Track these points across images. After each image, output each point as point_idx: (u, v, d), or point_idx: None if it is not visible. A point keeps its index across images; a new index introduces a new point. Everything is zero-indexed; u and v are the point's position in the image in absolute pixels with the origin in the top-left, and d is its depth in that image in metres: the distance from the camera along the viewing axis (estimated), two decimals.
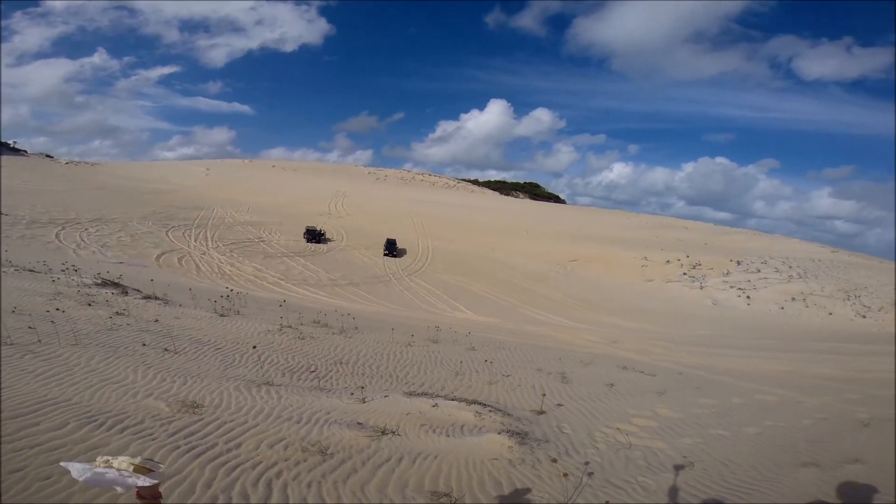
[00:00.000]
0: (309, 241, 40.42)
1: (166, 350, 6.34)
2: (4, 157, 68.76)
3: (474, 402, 6.01)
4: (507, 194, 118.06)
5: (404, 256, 42.10)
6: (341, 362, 7.55)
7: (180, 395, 4.77)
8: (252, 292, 18.71)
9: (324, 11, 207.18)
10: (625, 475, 4.51)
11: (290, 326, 9.39)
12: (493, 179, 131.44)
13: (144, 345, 6.37)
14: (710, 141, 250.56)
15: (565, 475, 4.20)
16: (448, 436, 4.86)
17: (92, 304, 8.53)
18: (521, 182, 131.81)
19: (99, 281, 11.19)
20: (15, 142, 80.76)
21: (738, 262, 50.17)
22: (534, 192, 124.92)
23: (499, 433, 4.94)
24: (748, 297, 42.69)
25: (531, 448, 4.76)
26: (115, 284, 11.11)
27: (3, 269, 11.22)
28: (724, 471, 4.80)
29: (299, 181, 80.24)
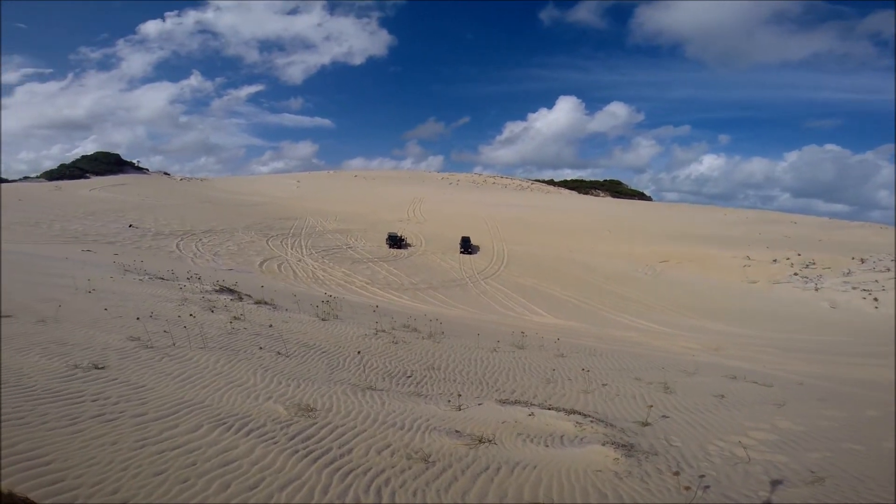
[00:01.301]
0: (391, 246, 42.09)
1: (279, 353, 6.89)
2: (131, 176, 79.73)
3: (573, 411, 5.82)
4: (586, 193, 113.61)
5: (480, 259, 42.25)
6: (433, 367, 7.71)
7: (295, 398, 5.14)
8: (343, 296, 19.82)
9: (384, 23, 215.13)
10: (744, 490, 4.17)
11: (383, 331, 9.79)
12: (569, 179, 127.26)
13: (261, 348, 6.98)
14: (813, 128, 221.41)
15: (686, 488, 3.91)
16: (546, 446, 4.76)
17: (214, 309, 9.54)
18: (601, 180, 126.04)
19: (217, 288, 12.52)
20: (139, 161, 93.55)
21: (863, 260, 43.64)
22: (615, 189, 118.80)
23: (603, 445, 4.74)
24: (875, 300, 37.01)
25: (639, 461, 4.52)
26: (231, 291, 12.36)
27: (140, 278, 12.96)
28: (859, 487, 4.33)
29: (379, 189, 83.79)
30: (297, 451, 3.90)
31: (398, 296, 29.66)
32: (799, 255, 45.79)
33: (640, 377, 8.83)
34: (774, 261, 45.16)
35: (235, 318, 8.95)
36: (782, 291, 40.15)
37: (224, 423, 4.23)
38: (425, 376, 7.13)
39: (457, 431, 4.83)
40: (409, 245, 44.14)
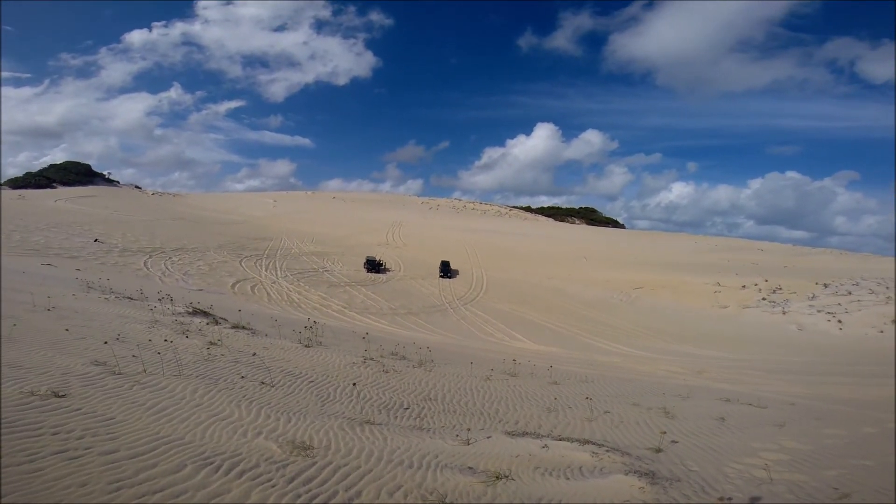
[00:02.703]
0: (369, 270, 41.36)
1: (263, 383, 6.31)
2: (101, 188, 76.77)
3: (587, 441, 5.48)
4: (563, 220, 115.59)
5: (459, 285, 41.98)
6: (430, 398, 7.23)
7: (288, 434, 4.61)
8: (320, 320, 19.05)
9: (370, 44, 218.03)
10: None
11: (372, 359, 9.26)
12: (546, 206, 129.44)
13: (243, 377, 6.38)
14: (775, 154, 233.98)
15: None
16: (567, 478, 4.43)
17: (188, 333, 8.82)
18: (577, 207, 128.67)
19: (191, 310, 11.72)
20: (109, 173, 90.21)
21: (826, 285, 45.51)
22: (590, 217, 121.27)
23: (625, 474, 4.50)
24: (840, 322, 38.45)
25: (664, 488, 4.31)
26: (205, 313, 11.59)
27: (105, 297, 12.05)
28: (886, 500, 4.39)
29: (357, 212, 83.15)
30: (299, 496, 3.41)
31: (376, 320, 28.91)
32: (766, 280, 47.40)
33: (637, 402, 8.63)
34: (743, 287, 46.52)
35: (212, 343, 8.28)
36: (752, 316, 41.22)
37: (211, 463, 3.69)
38: (424, 408, 6.65)
39: (470, 468, 4.41)
40: (388, 270, 43.51)
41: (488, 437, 5.39)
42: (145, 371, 5.86)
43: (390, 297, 35.31)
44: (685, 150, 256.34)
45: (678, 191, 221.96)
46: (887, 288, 43.65)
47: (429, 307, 34.70)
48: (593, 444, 5.38)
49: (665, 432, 6.04)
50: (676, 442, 6.06)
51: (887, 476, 5.04)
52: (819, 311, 40.50)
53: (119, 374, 5.58)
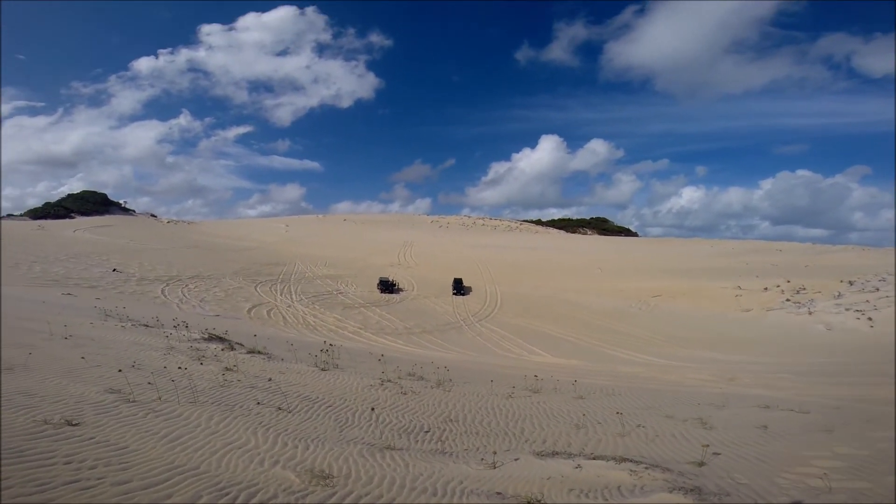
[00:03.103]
0: (383, 291, 41.27)
1: (279, 409, 6.11)
2: (117, 217, 78.42)
3: (623, 459, 5.15)
4: (574, 232, 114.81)
5: (473, 302, 41.64)
6: (451, 419, 6.95)
7: (306, 462, 4.38)
8: (337, 342, 18.89)
9: (371, 66, 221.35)
10: None
11: (389, 381, 9.01)
12: (556, 218, 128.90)
13: (259, 403, 6.19)
14: (783, 154, 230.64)
15: None
16: (606, 499, 4.14)
17: (203, 359, 8.70)
18: (588, 218, 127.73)
19: (206, 336, 11.64)
20: (126, 202, 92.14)
21: (851, 283, 44.18)
22: (602, 227, 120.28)
23: (670, 491, 4.19)
24: (870, 319, 37.15)
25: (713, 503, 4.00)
26: (221, 339, 11.48)
27: (122, 325, 12.04)
28: None
29: (368, 233, 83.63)
30: None
31: (392, 340, 28.65)
32: (788, 281, 46.20)
33: (670, 414, 8.23)
34: (765, 289, 45.39)
35: (228, 368, 8.13)
36: (777, 318, 40.06)
37: (227, 494, 3.49)
38: (445, 430, 6.37)
39: (498, 493, 4.12)
40: (401, 290, 43.40)
41: (516, 459, 5.09)
42: (160, 398, 5.72)
43: (405, 316, 35.09)
44: (692, 155, 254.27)
45: (689, 195, 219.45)
46: None
47: (443, 325, 34.37)
48: (630, 461, 5.06)
49: (708, 445, 5.68)
50: (719, 454, 5.72)
51: None
52: (847, 310, 39.21)
53: (133, 401, 5.44)
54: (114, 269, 35.88)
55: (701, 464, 5.25)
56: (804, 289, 44.12)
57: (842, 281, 44.40)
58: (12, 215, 76.40)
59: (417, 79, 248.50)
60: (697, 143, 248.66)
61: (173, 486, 3.52)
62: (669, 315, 40.98)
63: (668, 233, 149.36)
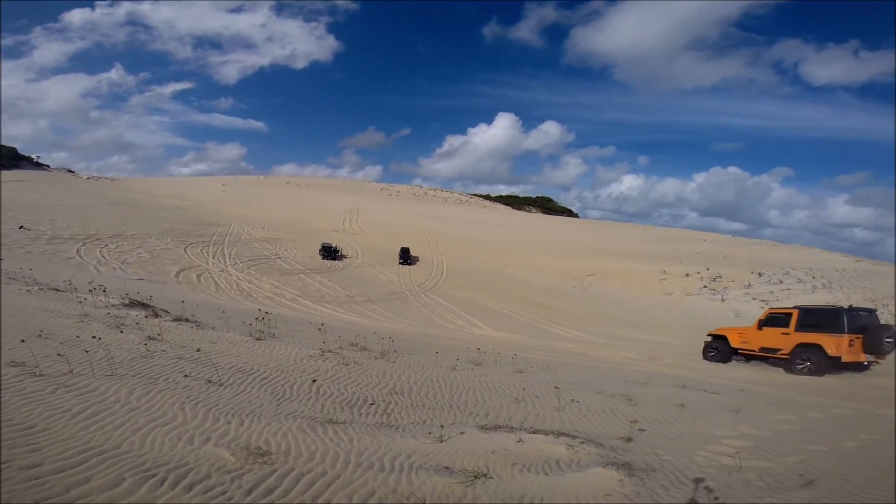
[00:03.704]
0: (325, 257, 40.14)
1: (210, 382, 5.72)
2: (28, 172, 69.95)
3: (561, 433, 5.37)
4: (520, 209, 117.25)
5: (419, 272, 41.67)
6: (396, 392, 6.89)
7: (241, 438, 4.13)
8: (274, 310, 18.17)
9: (332, 28, 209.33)
10: (750, 499, 4.17)
11: (330, 351, 8.77)
12: (504, 194, 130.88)
13: (186, 375, 5.76)
14: (719, 150, 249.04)
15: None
16: (546, 474, 4.29)
17: (123, 327, 7.97)
18: (534, 196, 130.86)
19: (127, 301, 10.68)
20: (38, 156, 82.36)
21: (760, 274, 48.91)
22: (546, 206, 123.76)
23: (604, 466, 4.44)
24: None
25: (642, 479, 4.28)
26: (144, 305, 10.59)
27: (28, 289, 10.77)
28: (847, 485, 4.56)
29: (313, 197, 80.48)
30: None
31: (333, 309, 28.09)
32: (707, 269, 50.26)
33: (600, 390, 8.72)
34: (687, 275, 49.12)
35: (151, 338, 7.51)
36: (694, 302, 43.66)
37: (154, 476, 3.20)
38: (390, 402, 6.29)
39: (446, 468, 4.15)
40: (345, 256, 42.45)
41: (462, 433, 5.15)
42: (72, 371, 5.16)
43: (347, 284, 34.44)
44: (638, 145, 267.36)
45: (629, 183, 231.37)
46: (813, 277, 47.46)
47: (388, 294, 34.17)
48: (567, 435, 5.28)
49: (636, 421, 6.05)
50: (644, 430, 6.12)
51: (846, 461, 5.27)
52: (754, 299, 43.44)
53: (40, 375, 4.86)
54: (20, 227, 31.96)
55: (629, 439, 5.58)
56: (720, 277, 48.21)
57: (752, 272, 48.98)
58: None
59: (380, 46, 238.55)
60: (644, 133, 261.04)
61: (91, 469, 3.18)
62: (601, 294, 43.37)
63: (606, 216, 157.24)
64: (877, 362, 12.27)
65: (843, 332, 11.83)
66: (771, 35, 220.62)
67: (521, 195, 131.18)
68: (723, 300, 43.85)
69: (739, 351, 14.37)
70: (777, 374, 14.05)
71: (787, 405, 8.52)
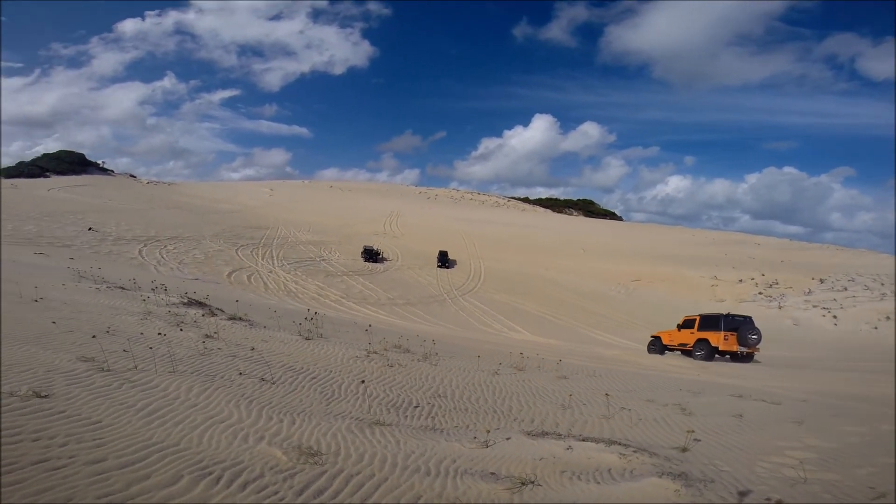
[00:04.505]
0: (367, 260, 40.97)
1: (263, 380, 5.91)
2: (95, 177, 75.62)
3: (613, 441, 5.17)
4: (560, 212, 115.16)
5: (457, 275, 41.71)
6: (439, 395, 6.88)
7: (293, 438, 4.23)
8: (319, 311, 18.71)
9: (366, 34, 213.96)
10: None
11: (375, 352, 8.88)
12: (543, 197, 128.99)
13: (241, 374, 5.98)
14: (772, 150, 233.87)
15: None
16: (598, 482, 4.13)
17: (182, 325, 8.41)
18: (575, 199, 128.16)
19: (185, 300, 11.29)
20: (104, 162, 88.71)
21: (822, 281, 45.69)
22: (588, 209, 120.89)
23: (659, 476, 4.22)
24: (835, 317, 38.66)
25: (699, 490, 4.04)
26: (201, 304, 11.15)
27: (97, 287, 11.59)
28: None
29: (355, 201, 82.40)
30: None
31: (375, 311, 28.57)
32: (763, 275, 47.46)
33: (651, 399, 8.37)
34: (740, 280, 46.59)
35: (208, 336, 7.87)
36: (748, 310, 41.25)
37: (210, 474, 3.31)
38: (434, 406, 6.28)
39: (492, 473, 4.07)
40: (386, 259, 43.14)
41: (507, 439, 5.05)
42: (136, 367, 5.46)
43: (388, 286, 34.97)
44: (683, 145, 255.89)
45: (675, 184, 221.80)
46: (882, 284, 43.80)
47: (427, 297, 34.41)
48: (619, 444, 5.08)
49: (692, 431, 5.75)
50: (699, 440, 5.81)
51: None
52: (815, 307, 40.67)
53: (107, 371, 5.17)
54: (89, 229, 34.61)
55: (684, 449, 5.32)
56: (777, 283, 45.42)
57: (813, 278, 45.81)
58: None
59: (414, 50, 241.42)
60: (689, 133, 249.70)
61: (152, 465, 3.32)
62: (647, 300, 41.81)
63: (652, 219, 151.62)
64: (751, 352, 17.07)
65: (720, 331, 16.78)
66: (821, 29, 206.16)
67: (562, 198, 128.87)
68: (780, 307, 41.27)
69: (668, 346, 19.17)
70: (843, 384, 13.11)
71: (855, 416, 7.93)
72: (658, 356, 18.76)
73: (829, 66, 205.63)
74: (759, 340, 16.81)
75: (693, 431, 5.77)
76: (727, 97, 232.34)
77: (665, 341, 19.33)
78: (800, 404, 9.10)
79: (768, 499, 3.73)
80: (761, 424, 6.93)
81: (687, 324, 18.46)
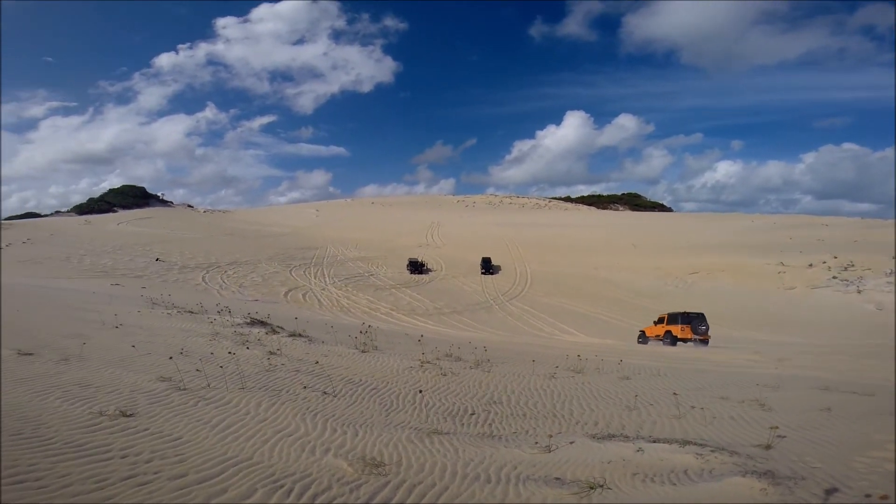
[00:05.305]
0: (412, 272, 41.50)
1: (325, 393, 6.10)
2: (157, 209, 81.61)
3: (686, 441, 4.89)
4: (605, 208, 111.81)
5: (502, 281, 41.34)
6: (495, 402, 6.80)
7: (356, 449, 4.31)
8: (371, 324, 19.11)
9: (387, 49, 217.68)
10: None
11: (429, 362, 8.94)
12: (586, 194, 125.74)
13: (305, 387, 6.19)
14: (824, 127, 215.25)
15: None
16: (673, 484, 3.92)
17: (248, 343, 8.84)
18: (619, 194, 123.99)
19: (249, 320, 11.88)
20: (163, 194, 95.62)
21: None
22: (634, 202, 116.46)
23: (742, 475, 3.95)
24: None
25: (789, 488, 3.75)
26: (263, 323, 11.69)
27: (168, 312, 12.42)
28: None
29: (396, 215, 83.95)
30: None
31: (424, 321, 28.81)
32: (835, 257, 43.73)
33: (725, 396, 7.88)
34: (810, 265, 43.17)
35: (272, 352, 8.22)
36: (822, 296, 38.14)
37: (282, 486, 3.42)
38: (490, 412, 6.22)
39: (557, 479, 3.95)
40: (430, 270, 43.51)
41: (571, 443, 4.90)
42: (209, 385, 5.77)
43: (435, 296, 35.21)
44: (727, 129, 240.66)
45: (724, 170, 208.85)
46: None
47: (473, 305, 34.32)
48: (693, 444, 4.80)
49: (776, 427, 5.35)
50: (784, 437, 5.39)
51: None
52: None
53: (184, 389, 5.50)
54: (157, 259, 37.35)
55: (768, 447, 4.96)
56: (852, 265, 41.74)
57: (894, 257, 41.73)
58: (59, 212, 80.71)
59: (435, 60, 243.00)
60: (733, 116, 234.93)
61: (228, 479, 3.47)
62: (709, 293, 39.61)
63: (704, 208, 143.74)
64: (704, 339, 20.92)
65: (678, 324, 21.50)
66: (851, 1, 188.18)
67: (605, 193, 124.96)
68: (859, 291, 37.82)
69: (649, 337, 23.31)
70: None
71: None
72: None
73: (868, 38, 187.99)
74: (706, 330, 21.19)
75: (777, 427, 5.36)
76: (766, 77, 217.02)
77: (648, 334, 23.80)
78: None
79: (868, 495, 3.38)
80: (854, 417, 6.39)
81: (660, 321, 23.24)
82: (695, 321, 21.49)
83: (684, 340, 21.28)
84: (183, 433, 4.24)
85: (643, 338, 24.13)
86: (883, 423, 6.07)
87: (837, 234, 56.94)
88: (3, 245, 35.21)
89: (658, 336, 22.85)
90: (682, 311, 23.37)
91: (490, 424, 5.79)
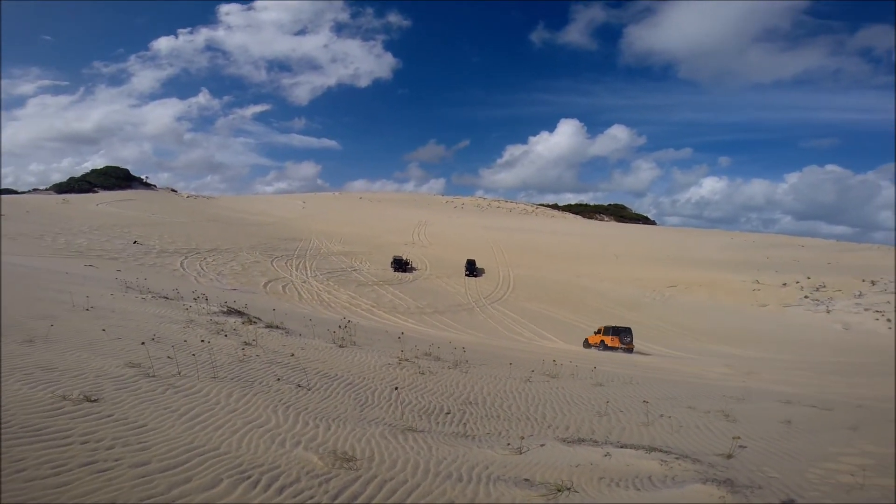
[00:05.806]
0: (396, 270, 41.33)
1: (299, 386, 6.04)
2: (139, 192, 79.68)
3: (653, 448, 5.01)
4: (591, 217, 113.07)
5: (485, 284, 41.49)
6: (470, 402, 6.84)
7: (328, 443, 4.29)
8: (352, 320, 18.98)
9: (388, 46, 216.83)
10: None
11: (407, 360, 8.94)
12: (573, 202, 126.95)
13: (278, 379, 6.13)
14: (812, 148, 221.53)
15: None
16: (637, 489, 4.04)
17: (222, 333, 8.70)
18: (606, 204, 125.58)
19: (225, 309, 11.69)
20: (147, 177, 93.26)
21: (873, 283, 42.97)
22: (620, 213, 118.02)
23: (703, 483, 4.10)
24: (889, 320, 36.24)
25: (746, 496, 3.92)
26: (240, 313, 11.52)
27: (143, 297, 12.15)
28: None
29: (383, 211, 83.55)
30: None
31: (405, 319, 28.75)
32: (808, 278, 45.11)
33: (692, 406, 8.10)
34: (784, 284, 44.42)
35: (247, 343, 8.11)
36: (794, 315, 39.31)
37: (248, 478, 3.39)
38: (465, 412, 6.26)
39: (526, 480, 4.01)
40: (415, 269, 43.41)
41: (542, 445, 4.96)
42: (180, 373, 5.66)
43: (417, 296, 35.14)
44: (717, 145, 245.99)
45: (710, 186, 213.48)
46: None
47: (455, 306, 34.37)
48: (659, 450, 4.92)
49: (738, 437, 5.51)
50: (745, 447, 5.58)
51: None
52: (866, 310, 38.31)
53: (153, 376, 5.39)
54: (134, 242, 36.44)
55: (729, 456, 5.15)
56: (824, 286, 43.11)
57: (864, 280, 43.24)
58: (38, 189, 78.14)
59: (436, 60, 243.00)
60: (723, 133, 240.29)
61: (193, 469, 3.42)
62: (685, 307, 40.43)
63: (687, 223, 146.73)
64: (629, 347, 24.46)
65: (610, 335, 24.94)
66: (852, 21, 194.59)
67: (592, 203, 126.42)
68: (828, 311, 39.09)
69: (592, 345, 25.94)
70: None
71: None
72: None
73: (865, 60, 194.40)
74: (630, 341, 24.95)
75: (739, 438, 5.53)
76: (760, 95, 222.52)
77: (590, 341, 26.76)
78: (854, 410, 8.70)
79: None
80: (812, 430, 6.69)
81: (599, 331, 26.74)
82: (622, 333, 25.80)
83: (614, 349, 25.13)
84: (148, 420, 4.16)
85: (587, 344, 27.48)
86: (838, 436, 6.35)
87: (812, 256, 58.71)
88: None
89: (596, 344, 26.42)
90: (613, 325, 27.60)
91: (464, 424, 5.82)
